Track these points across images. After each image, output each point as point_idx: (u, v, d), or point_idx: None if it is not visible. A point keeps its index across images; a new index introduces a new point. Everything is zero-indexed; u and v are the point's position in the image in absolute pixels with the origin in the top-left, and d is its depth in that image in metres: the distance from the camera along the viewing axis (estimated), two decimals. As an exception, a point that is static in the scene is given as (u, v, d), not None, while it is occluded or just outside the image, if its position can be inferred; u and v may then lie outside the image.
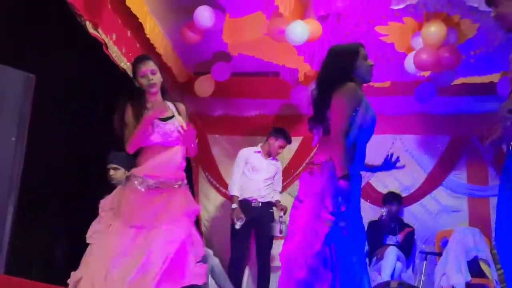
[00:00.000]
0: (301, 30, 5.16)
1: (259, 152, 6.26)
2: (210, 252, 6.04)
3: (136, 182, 3.63)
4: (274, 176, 6.30)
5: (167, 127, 3.74)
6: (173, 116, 3.80)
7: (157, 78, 3.77)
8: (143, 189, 3.62)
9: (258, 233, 6.10)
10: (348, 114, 3.22)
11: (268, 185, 6.21)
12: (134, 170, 3.71)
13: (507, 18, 3.00)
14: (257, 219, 6.00)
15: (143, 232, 3.53)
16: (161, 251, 3.43)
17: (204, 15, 5.31)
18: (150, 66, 3.75)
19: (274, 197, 6.25)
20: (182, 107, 3.93)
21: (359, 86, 3.40)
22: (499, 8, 3.01)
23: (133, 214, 3.57)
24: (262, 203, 6.11)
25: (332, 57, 3.43)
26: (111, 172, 4.99)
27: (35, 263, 4.93)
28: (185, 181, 3.82)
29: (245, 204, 6.00)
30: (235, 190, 6.11)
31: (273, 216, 6.10)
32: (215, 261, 6.03)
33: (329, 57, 3.45)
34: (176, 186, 3.72)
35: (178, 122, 3.78)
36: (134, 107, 3.72)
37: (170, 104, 3.87)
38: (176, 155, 3.76)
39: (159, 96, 3.83)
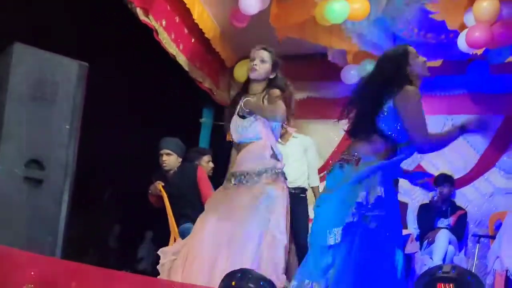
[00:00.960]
0: (340, 8, 5.06)
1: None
2: None
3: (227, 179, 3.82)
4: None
5: (244, 123, 3.81)
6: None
7: (262, 67, 3.81)
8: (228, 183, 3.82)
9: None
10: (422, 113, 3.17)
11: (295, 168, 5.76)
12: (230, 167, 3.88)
13: None
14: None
15: None
16: None
17: (249, 2, 5.22)
18: (261, 54, 3.82)
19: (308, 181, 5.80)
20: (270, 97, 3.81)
21: (418, 85, 3.33)
22: None
23: (217, 208, 3.75)
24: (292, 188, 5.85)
25: (386, 63, 3.34)
26: (164, 157, 5.03)
27: (90, 250, 5.05)
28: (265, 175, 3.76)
29: None
30: None
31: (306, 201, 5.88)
32: None
33: (382, 63, 3.36)
34: (252, 181, 3.75)
35: (253, 118, 3.78)
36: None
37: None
38: (251, 152, 3.79)
39: (257, 88, 3.85)
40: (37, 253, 3.03)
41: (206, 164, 5.61)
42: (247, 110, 3.71)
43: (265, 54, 3.80)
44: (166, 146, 5.06)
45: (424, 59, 3.35)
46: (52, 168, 3.36)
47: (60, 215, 3.38)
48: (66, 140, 3.45)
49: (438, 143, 3.22)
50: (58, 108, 3.42)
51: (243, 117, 3.79)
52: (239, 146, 3.85)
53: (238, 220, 3.59)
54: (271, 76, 3.82)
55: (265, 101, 3.73)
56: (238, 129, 3.81)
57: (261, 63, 3.77)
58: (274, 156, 3.72)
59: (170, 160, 5.02)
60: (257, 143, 3.75)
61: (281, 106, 3.61)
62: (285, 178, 3.83)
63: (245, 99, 3.76)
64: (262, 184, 3.66)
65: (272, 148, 3.74)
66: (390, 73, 3.23)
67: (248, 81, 3.86)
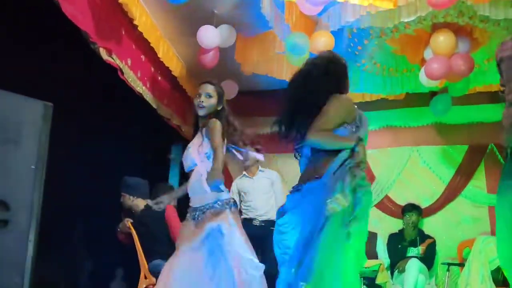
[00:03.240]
0: (301, 42, 5.15)
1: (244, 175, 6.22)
2: None
3: None
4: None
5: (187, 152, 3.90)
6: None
7: (207, 102, 3.85)
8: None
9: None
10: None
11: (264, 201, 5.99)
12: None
13: None
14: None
15: None
16: None
17: (208, 35, 5.26)
18: (206, 88, 3.87)
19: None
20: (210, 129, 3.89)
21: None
22: None
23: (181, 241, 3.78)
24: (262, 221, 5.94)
25: (330, 65, 3.32)
26: (128, 201, 5.10)
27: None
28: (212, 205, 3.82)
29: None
30: None
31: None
32: None
33: (327, 65, 3.34)
34: (200, 212, 3.80)
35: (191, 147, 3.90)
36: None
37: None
38: (191, 181, 3.84)
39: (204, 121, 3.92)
40: (3, 295, 2.99)
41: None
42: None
43: (210, 88, 3.87)
44: (127, 191, 5.10)
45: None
46: (18, 208, 3.33)
47: (26, 256, 3.34)
48: (31, 181, 3.43)
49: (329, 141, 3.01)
50: (23, 148, 3.41)
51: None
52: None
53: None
54: (219, 108, 3.88)
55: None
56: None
57: (207, 98, 3.83)
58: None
59: (135, 203, 5.08)
60: (195, 171, 3.79)
61: (215, 134, 3.68)
62: (236, 207, 3.86)
63: None
64: (207, 221, 3.69)
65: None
66: (331, 78, 3.21)
67: (197, 116, 3.91)
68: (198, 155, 3.78)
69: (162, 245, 4.85)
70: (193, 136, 3.95)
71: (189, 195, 3.86)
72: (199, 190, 3.70)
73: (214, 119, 3.76)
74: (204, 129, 3.82)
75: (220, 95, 3.89)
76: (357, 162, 2.87)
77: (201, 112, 3.84)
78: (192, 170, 3.82)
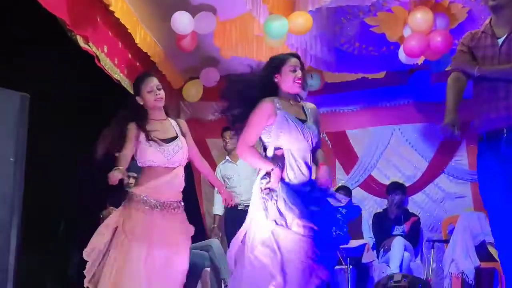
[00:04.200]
0: (279, 24, 5.10)
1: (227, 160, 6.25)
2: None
3: (141, 202, 3.64)
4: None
5: (171, 148, 3.74)
6: (176, 137, 3.80)
7: (163, 94, 3.79)
8: (147, 208, 3.64)
9: None
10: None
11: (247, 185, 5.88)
12: (136, 190, 3.71)
13: (503, 10, 3.05)
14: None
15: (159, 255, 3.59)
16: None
17: (182, 21, 5.20)
18: (156, 81, 3.80)
19: None
20: (184, 125, 3.94)
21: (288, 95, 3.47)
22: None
23: (149, 235, 3.61)
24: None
25: (263, 69, 3.47)
26: (131, 180, 5.03)
27: (48, 284, 4.92)
28: (182, 203, 3.85)
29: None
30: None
31: None
32: (215, 242, 6.03)
33: (262, 69, 3.49)
34: (176, 207, 3.74)
35: (181, 143, 3.79)
36: (138, 126, 3.73)
37: (173, 123, 3.87)
38: (178, 177, 3.77)
39: (163, 114, 3.83)
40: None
41: None
42: None
43: (156, 81, 3.83)
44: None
45: (298, 75, 3.42)
46: (-2, 203, 3.28)
47: (9, 251, 3.29)
48: (11, 173, 3.37)
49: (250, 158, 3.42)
50: (0, 141, 3.35)
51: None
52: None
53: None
54: None
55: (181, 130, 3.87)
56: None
57: (159, 90, 3.81)
58: None
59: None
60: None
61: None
62: None
63: None
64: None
65: None
66: (258, 84, 3.43)
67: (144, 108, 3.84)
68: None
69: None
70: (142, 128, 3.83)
71: (155, 187, 3.82)
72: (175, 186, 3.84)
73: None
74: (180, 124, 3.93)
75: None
76: None
77: (160, 104, 3.81)
78: (168, 167, 3.82)
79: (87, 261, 3.63)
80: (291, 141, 3.36)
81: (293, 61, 3.45)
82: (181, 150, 3.76)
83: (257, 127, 3.34)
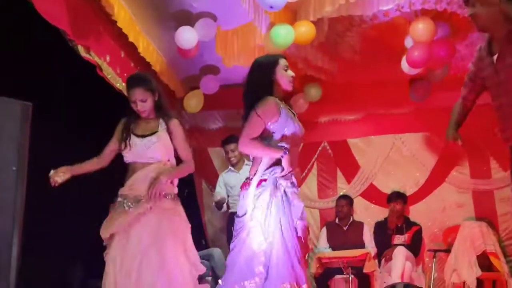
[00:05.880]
0: (285, 32, 5.12)
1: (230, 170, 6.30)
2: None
3: (123, 203, 3.62)
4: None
5: (143, 143, 3.71)
6: (154, 132, 3.75)
7: (147, 105, 3.73)
8: (127, 208, 3.59)
9: None
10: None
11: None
12: (120, 190, 3.71)
13: (480, 20, 3.07)
14: None
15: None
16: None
17: (185, 37, 5.22)
18: (139, 94, 3.70)
19: None
20: (173, 123, 3.82)
21: (281, 96, 3.49)
22: (475, 9, 3.07)
23: (129, 235, 3.55)
24: None
25: (255, 71, 3.49)
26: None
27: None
28: (172, 195, 3.74)
29: None
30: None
31: None
32: (216, 251, 6.06)
33: (252, 71, 3.51)
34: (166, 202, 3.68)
35: (156, 139, 3.73)
36: (124, 123, 3.77)
37: (160, 121, 3.84)
38: (154, 172, 3.67)
39: (151, 114, 3.82)
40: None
41: None
42: None
43: (140, 93, 3.72)
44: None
45: (292, 74, 3.50)
46: (0, 211, 3.29)
47: (11, 259, 3.30)
48: (13, 182, 3.39)
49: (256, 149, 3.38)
50: (3, 150, 3.36)
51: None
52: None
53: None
54: (156, 99, 3.80)
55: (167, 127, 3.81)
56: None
57: (143, 103, 3.73)
58: None
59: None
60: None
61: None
62: None
63: None
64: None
65: None
66: (257, 83, 3.43)
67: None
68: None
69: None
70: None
71: (129, 185, 3.79)
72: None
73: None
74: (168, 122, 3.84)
75: (153, 90, 3.80)
76: None
77: (144, 115, 3.78)
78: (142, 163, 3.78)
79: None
80: (293, 138, 3.39)
81: (284, 60, 3.53)
82: (154, 145, 3.69)
83: (262, 123, 3.34)
